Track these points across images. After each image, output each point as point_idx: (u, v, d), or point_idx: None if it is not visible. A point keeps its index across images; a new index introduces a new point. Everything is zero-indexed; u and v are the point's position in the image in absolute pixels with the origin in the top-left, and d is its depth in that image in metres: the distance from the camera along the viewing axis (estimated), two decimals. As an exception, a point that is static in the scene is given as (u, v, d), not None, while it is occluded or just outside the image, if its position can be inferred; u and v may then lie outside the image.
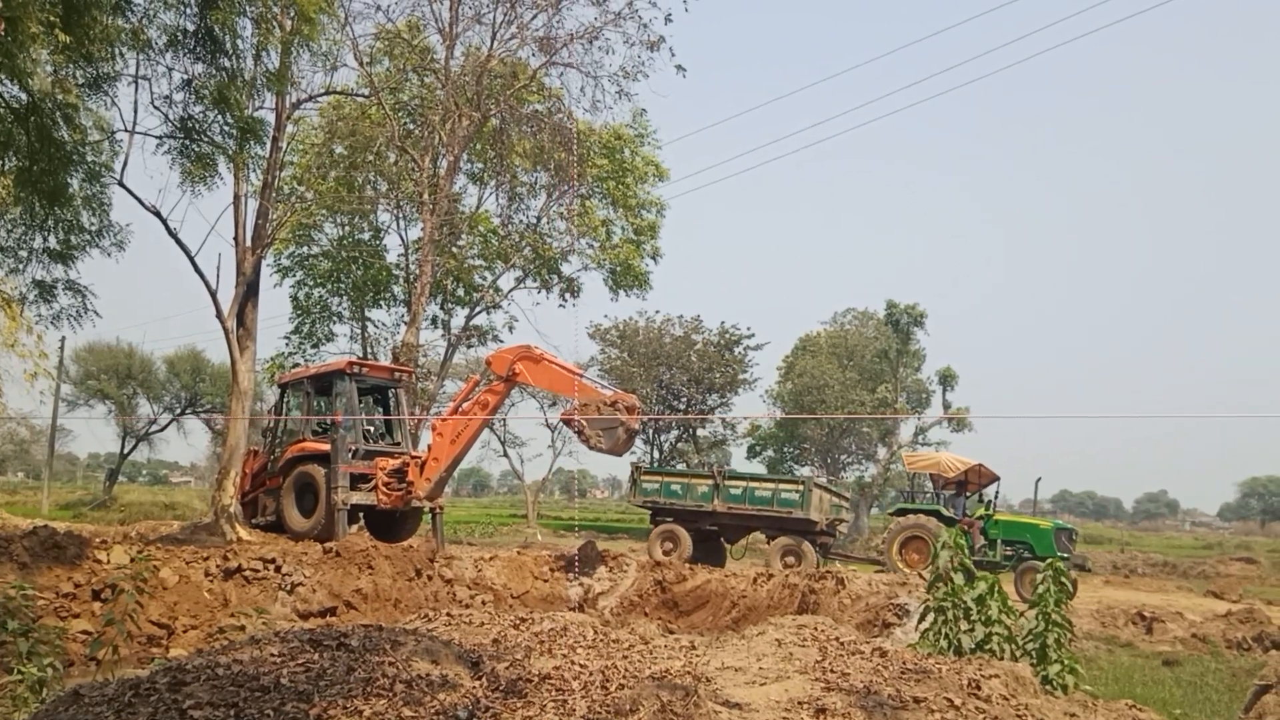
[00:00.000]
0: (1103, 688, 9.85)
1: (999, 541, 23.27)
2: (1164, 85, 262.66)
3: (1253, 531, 76.11)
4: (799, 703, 5.61)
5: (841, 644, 7.28)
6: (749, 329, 50.44)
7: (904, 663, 6.59)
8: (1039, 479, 24.58)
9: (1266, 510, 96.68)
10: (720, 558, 26.55)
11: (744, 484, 26.48)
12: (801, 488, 25.56)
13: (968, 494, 24.89)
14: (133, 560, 12.01)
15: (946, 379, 52.52)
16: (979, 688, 6.01)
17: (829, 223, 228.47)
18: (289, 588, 13.12)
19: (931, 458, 25.88)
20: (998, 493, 24.98)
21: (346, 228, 33.08)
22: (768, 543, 26.04)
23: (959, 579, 8.16)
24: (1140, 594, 25.38)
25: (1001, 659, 7.32)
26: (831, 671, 6.34)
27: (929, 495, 26.39)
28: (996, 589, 8.10)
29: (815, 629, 7.82)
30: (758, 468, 58.92)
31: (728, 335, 50.15)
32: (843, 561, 26.92)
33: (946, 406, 52.99)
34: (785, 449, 61.90)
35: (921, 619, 8.56)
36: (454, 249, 30.52)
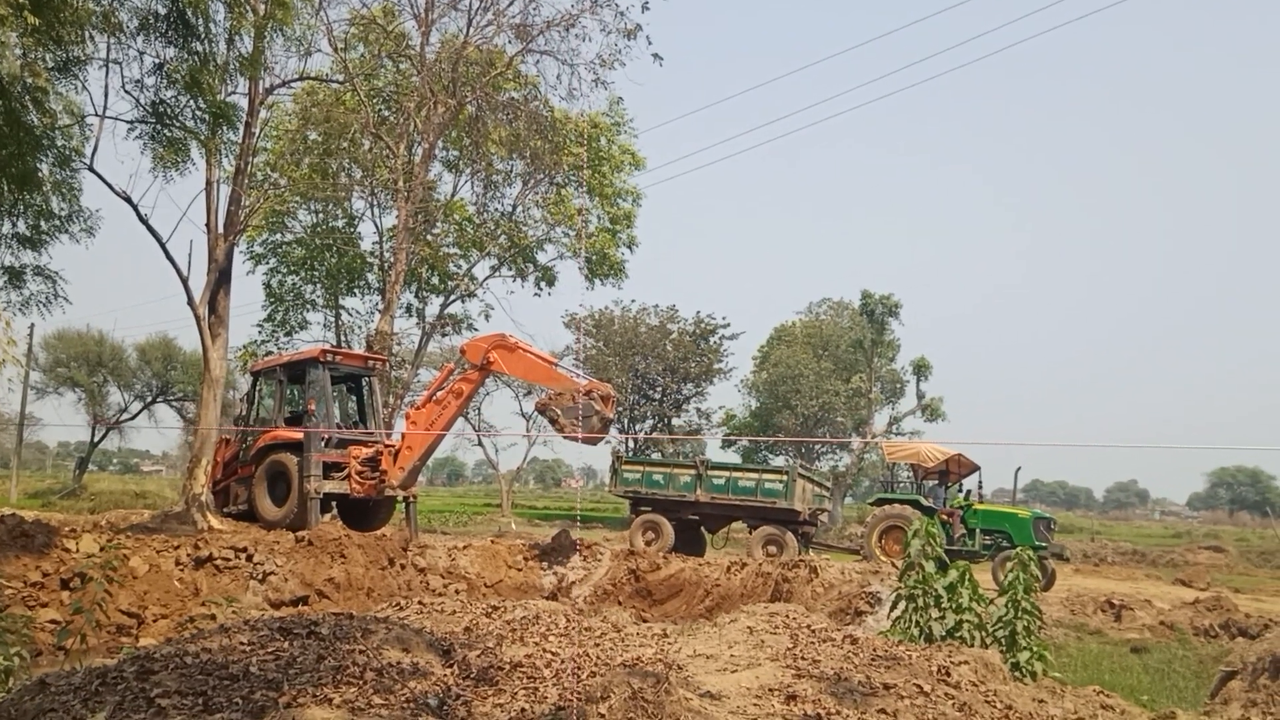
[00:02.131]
0: (1071, 674, 9.94)
1: (978, 531, 23.32)
2: (1170, 71, 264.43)
3: (1221, 521, 76.90)
4: (770, 689, 5.64)
5: (813, 631, 7.32)
6: (724, 319, 50.68)
7: (875, 650, 6.63)
8: (1018, 468, 24.56)
9: (1234, 500, 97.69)
10: (700, 547, 26.52)
11: (727, 474, 26.45)
12: (785, 478, 25.52)
13: (948, 483, 24.91)
14: (102, 549, 11.92)
15: (920, 369, 52.72)
16: (949, 674, 6.06)
17: (805, 212, 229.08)
18: (260, 577, 13.06)
19: (911, 447, 25.77)
20: (980, 482, 25.00)
21: (320, 215, 32.82)
22: (749, 533, 26.05)
23: (930, 567, 8.22)
24: (1110, 582, 25.59)
25: (971, 646, 7.38)
26: (802, 659, 6.37)
27: (903, 485, 26.46)
28: (967, 577, 8.16)
29: (787, 617, 7.86)
30: (732, 457, 59.05)
31: (703, 325, 50.26)
32: (824, 551, 27.00)
33: (920, 396, 53.20)
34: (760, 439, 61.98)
35: (893, 607, 8.62)
36: (429, 237, 30.36)
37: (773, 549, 24.07)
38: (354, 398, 20.25)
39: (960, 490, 25.09)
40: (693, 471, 26.39)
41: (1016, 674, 7.32)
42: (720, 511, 26.31)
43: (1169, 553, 40.99)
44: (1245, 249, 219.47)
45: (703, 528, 27.34)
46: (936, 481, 24.84)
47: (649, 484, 26.68)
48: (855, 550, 26.22)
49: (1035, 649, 7.81)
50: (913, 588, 8.19)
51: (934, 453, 24.16)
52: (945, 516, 23.36)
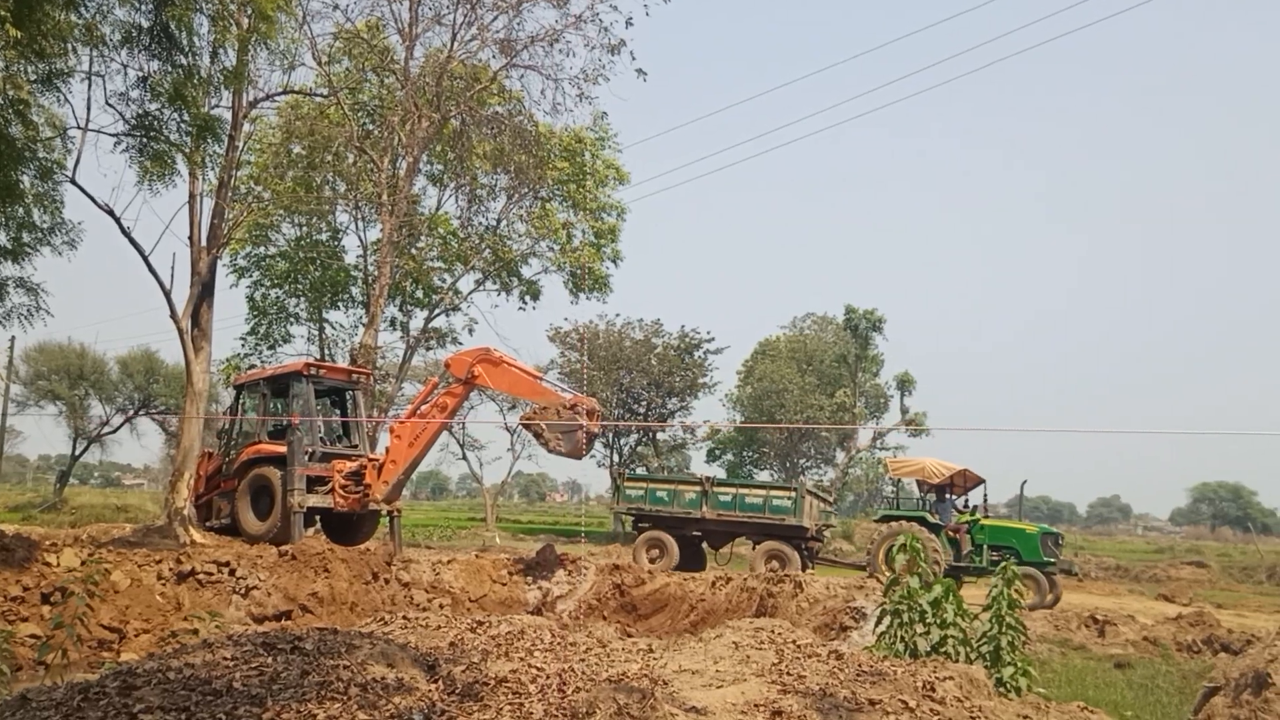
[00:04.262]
0: (1055, 690, 9.95)
1: (985, 547, 23.11)
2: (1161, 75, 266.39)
3: (1203, 536, 77.28)
4: (755, 705, 5.63)
5: (798, 646, 7.31)
6: (709, 333, 50.67)
7: (860, 665, 6.63)
8: (1024, 481, 24.56)
9: (1216, 515, 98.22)
10: (700, 563, 26.43)
11: (734, 490, 26.44)
12: (794, 494, 25.53)
13: (951, 496, 24.71)
14: (83, 563, 11.83)
15: (904, 384, 52.95)
16: (934, 690, 6.06)
17: (789, 226, 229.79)
18: (243, 591, 12.98)
19: (916, 463, 25.40)
20: (985, 496, 24.82)
21: (304, 228, 32.75)
22: (752, 548, 26.01)
23: (915, 582, 8.21)
24: (1093, 597, 25.67)
25: (956, 661, 7.38)
26: (788, 674, 6.37)
27: (888, 499, 26.41)
28: (952, 592, 8.16)
29: (772, 632, 7.85)
30: (718, 472, 59.11)
31: (687, 339, 50.28)
32: (830, 568, 27.00)
33: (904, 411, 53.40)
34: (744, 453, 62.12)
35: (878, 622, 8.61)
36: (413, 251, 30.35)
37: (775, 564, 23.99)
38: (338, 412, 20.19)
39: (966, 505, 24.94)
40: (698, 488, 26.34)
41: (1001, 690, 7.33)
42: (725, 528, 26.27)
43: (1152, 568, 41.21)
44: (1240, 258, 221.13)
45: (705, 544, 27.28)
46: (936, 497, 24.65)
47: (653, 501, 26.61)
48: (861, 566, 26.04)
49: (1020, 664, 7.81)
50: (898, 603, 8.19)
51: (939, 468, 23.96)
52: (952, 532, 23.28)
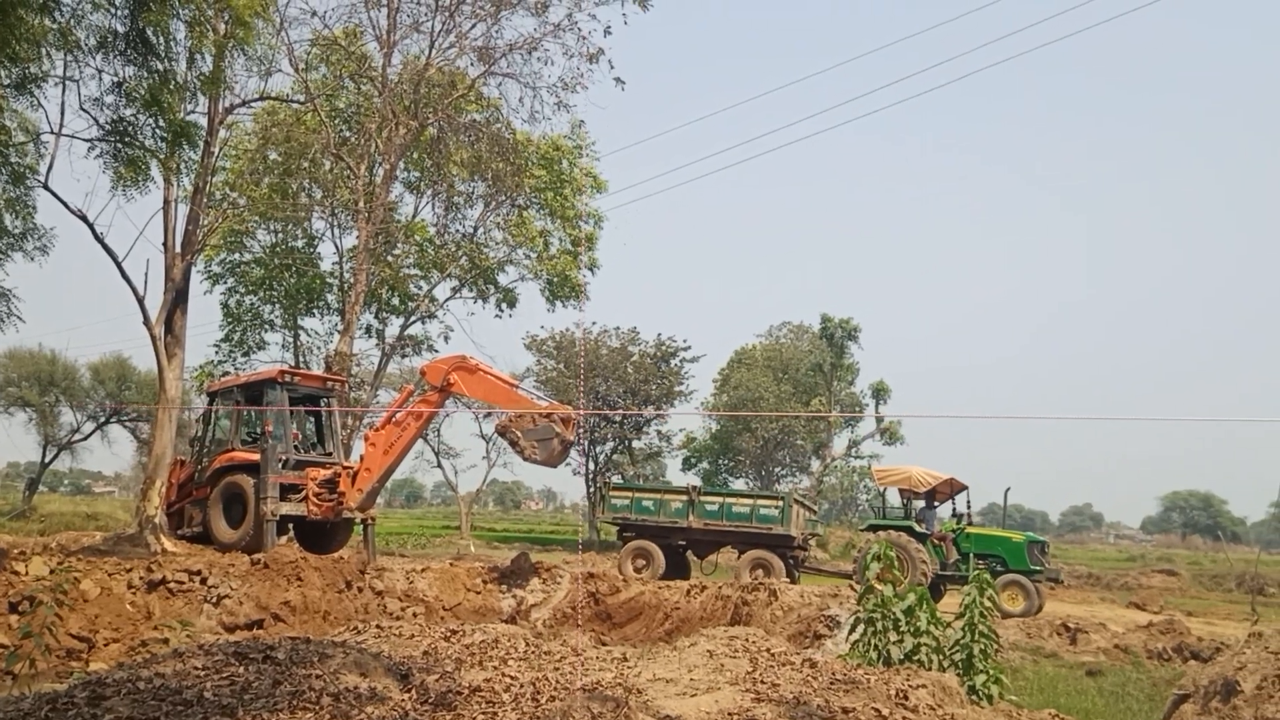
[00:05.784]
0: (1027, 697, 10.01)
1: (971, 555, 23.06)
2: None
3: (1174, 544, 77.95)
4: (729, 713, 5.65)
5: (772, 655, 7.34)
6: (685, 341, 50.68)
7: (833, 673, 6.66)
8: (1008, 489, 24.44)
9: (1187, 523, 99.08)
10: (684, 572, 26.40)
11: (720, 500, 26.42)
12: (781, 503, 25.56)
13: (935, 503, 24.65)
14: (52, 572, 11.73)
15: (879, 392, 53.13)
16: (906, 698, 6.09)
17: (765, 235, 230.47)
18: (215, 600, 12.89)
19: (902, 471, 25.19)
20: (969, 502, 24.78)
21: (280, 235, 32.61)
22: (737, 557, 26.02)
23: (888, 591, 8.25)
24: (1065, 605, 25.82)
25: (929, 669, 7.42)
26: (762, 682, 6.39)
27: (873, 507, 26.39)
28: (925, 600, 8.21)
29: (746, 640, 7.88)
30: (693, 480, 59.07)
31: (664, 347, 50.29)
32: (816, 576, 26.99)
33: (879, 421, 53.56)
34: (720, 461, 62.14)
35: (851, 630, 8.65)
36: (389, 258, 30.26)
37: (759, 572, 23.97)
38: (312, 420, 20.08)
39: (952, 513, 24.91)
40: (684, 498, 26.33)
41: (974, 697, 7.38)
42: (712, 537, 26.25)
43: (1123, 576, 41.50)
44: (1236, 265, 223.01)
45: (690, 553, 27.26)
46: (924, 504, 24.62)
47: (639, 510, 26.55)
48: (848, 575, 25.99)
49: (992, 672, 7.86)
50: (871, 611, 8.23)
51: (925, 477, 23.88)
52: (938, 541, 23.29)
